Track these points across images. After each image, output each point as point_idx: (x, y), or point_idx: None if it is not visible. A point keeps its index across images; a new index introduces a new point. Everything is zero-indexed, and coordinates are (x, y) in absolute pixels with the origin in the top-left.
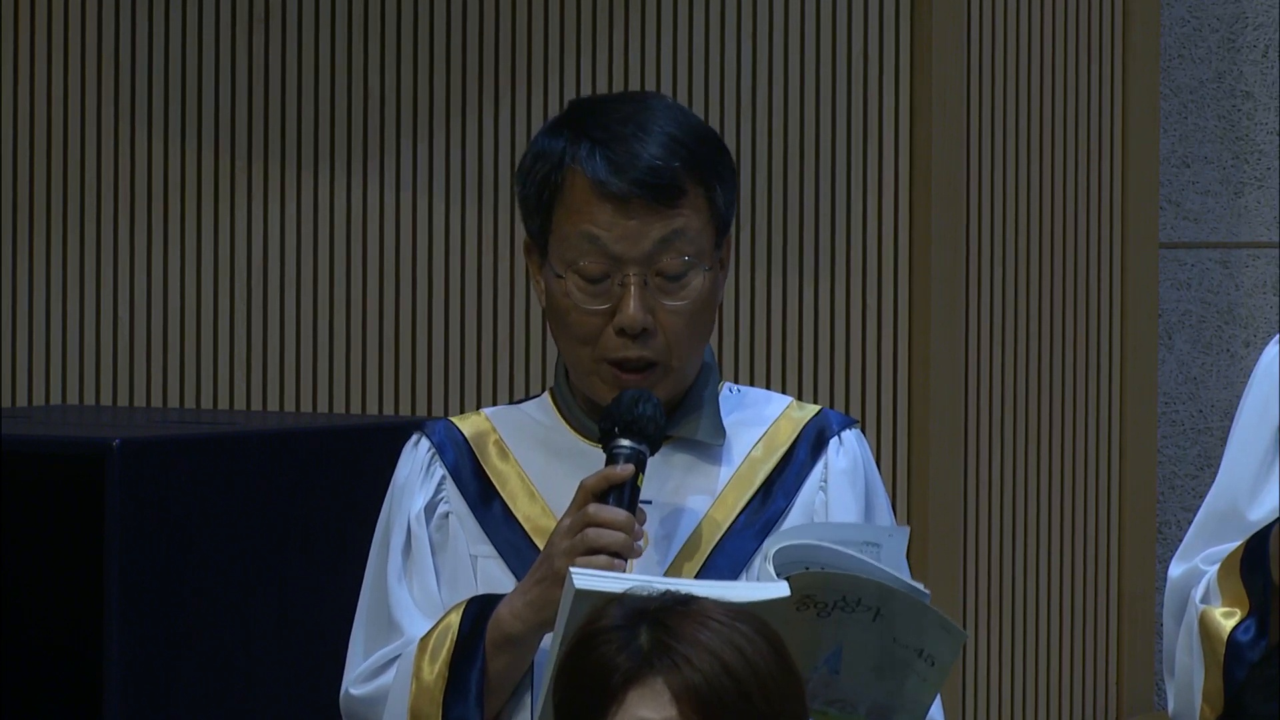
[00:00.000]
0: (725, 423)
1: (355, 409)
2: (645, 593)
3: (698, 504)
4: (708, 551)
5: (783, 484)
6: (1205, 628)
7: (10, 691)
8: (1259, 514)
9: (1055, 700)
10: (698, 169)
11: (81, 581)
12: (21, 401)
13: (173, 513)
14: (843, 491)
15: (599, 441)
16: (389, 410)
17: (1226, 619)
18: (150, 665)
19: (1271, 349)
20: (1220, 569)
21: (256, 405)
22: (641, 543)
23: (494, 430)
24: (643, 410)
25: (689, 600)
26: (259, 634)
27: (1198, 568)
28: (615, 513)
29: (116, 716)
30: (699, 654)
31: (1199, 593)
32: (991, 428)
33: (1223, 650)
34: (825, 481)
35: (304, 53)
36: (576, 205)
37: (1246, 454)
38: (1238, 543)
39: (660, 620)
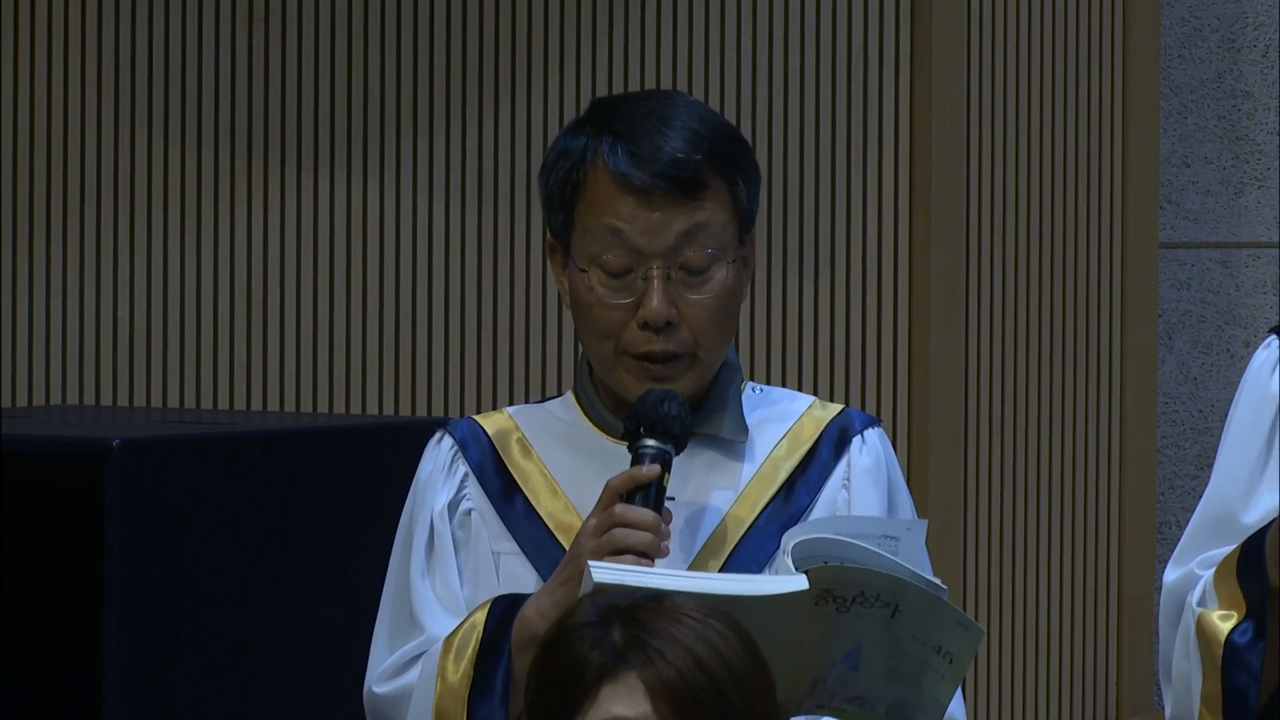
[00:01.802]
0: (748, 420)
1: (355, 409)
2: (657, 587)
3: (721, 501)
4: (730, 548)
5: (806, 481)
6: (1202, 630)
7: (10, 691)
8: (1253, 517)
9: (1055, 700)
10: (720, 162)
11: (81, 581)
12: (21, 401)
13: (173, 513)
14: (866, 490)
15: (622, 438)
16: (389, 410)
17: (1224, 621)
18: (150, 665)
19: (1261, 353)
20: (1216, 572)
21: (256, 405)
22: (666, 543)
23: (517, 428)
24: (668, 410)
25: (662, 596)
26: (259, 634)
27: (1193, 572)
28: (642, 513)
29: (116, 716)
30: (673, 649)
31: (1195, 596)
32: (991, 427)
33: (1220, 653)
34: (848, 480)
35: (304, 53)
36: (599, 199)
37: (1239, 457)
38: (1233, 546)
39: (634, 616)
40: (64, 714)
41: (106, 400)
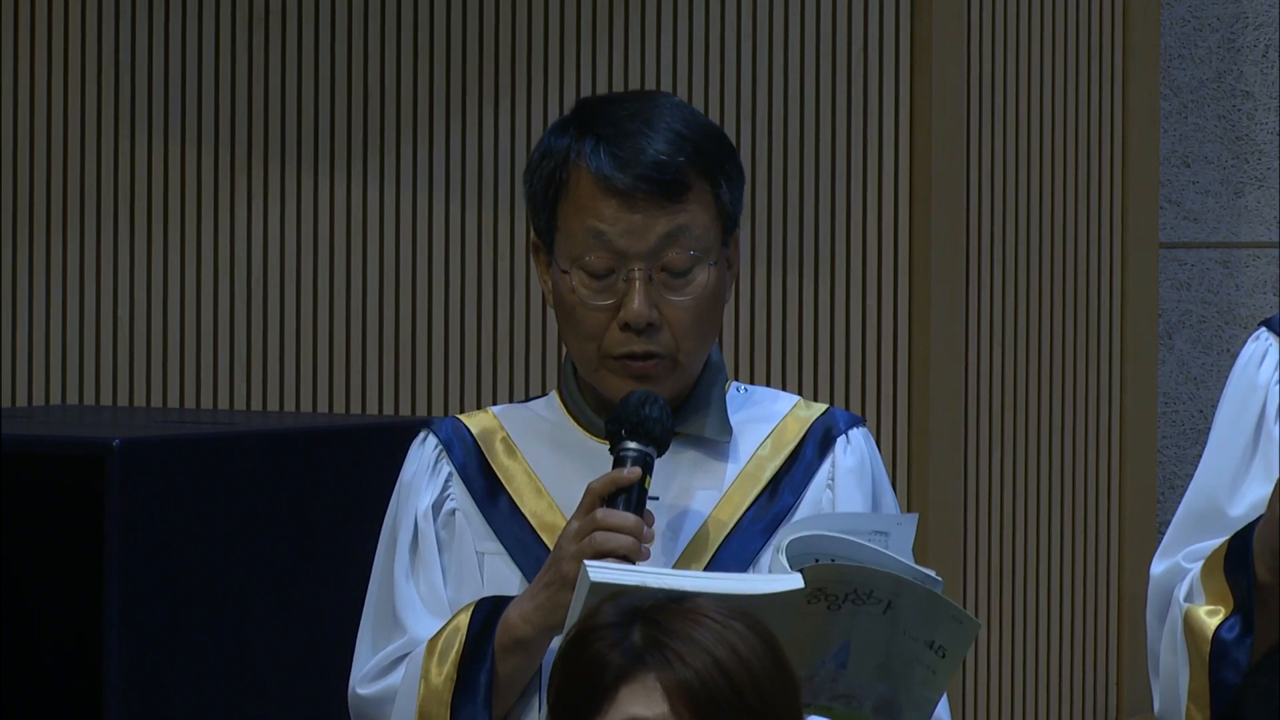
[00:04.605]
0: (732, 420)
1: (356, 409)
2: (654, 586)
3: (704, 501)
4: (714, 549)
5: (790, 481)
6: (1190, 626)
7: (10, 691)
8: (1239, 510)
9: (1055, 700)
10: (703, 165)
11: (81, 581)
12: (21, 401)
13: (173, 513)
14: (850, 490)
15: (606, 438)
16: (389, 410)
17: (1211, 617)
18: (150, 665)
19: (1249, 346)
20: (1203, 567)
21: (256, 405)
22: (648, 545)
23: (501, 428)
24: (650, 412)
25: (683, 598)
26: (259, 634)
27: (1179, 565)
28: (623, 517)
29: (116, 716)
30: (692, 651)
31: (1182, 591)
32: (991, 427)
33: (1208, 649)
34: (832, 479)
35: (304, 53)
36: (582, 201)
37: (1225, 450)
38: (1219, 540)
39: (653, 617)
40: (64, 714)
41: (106, 400)
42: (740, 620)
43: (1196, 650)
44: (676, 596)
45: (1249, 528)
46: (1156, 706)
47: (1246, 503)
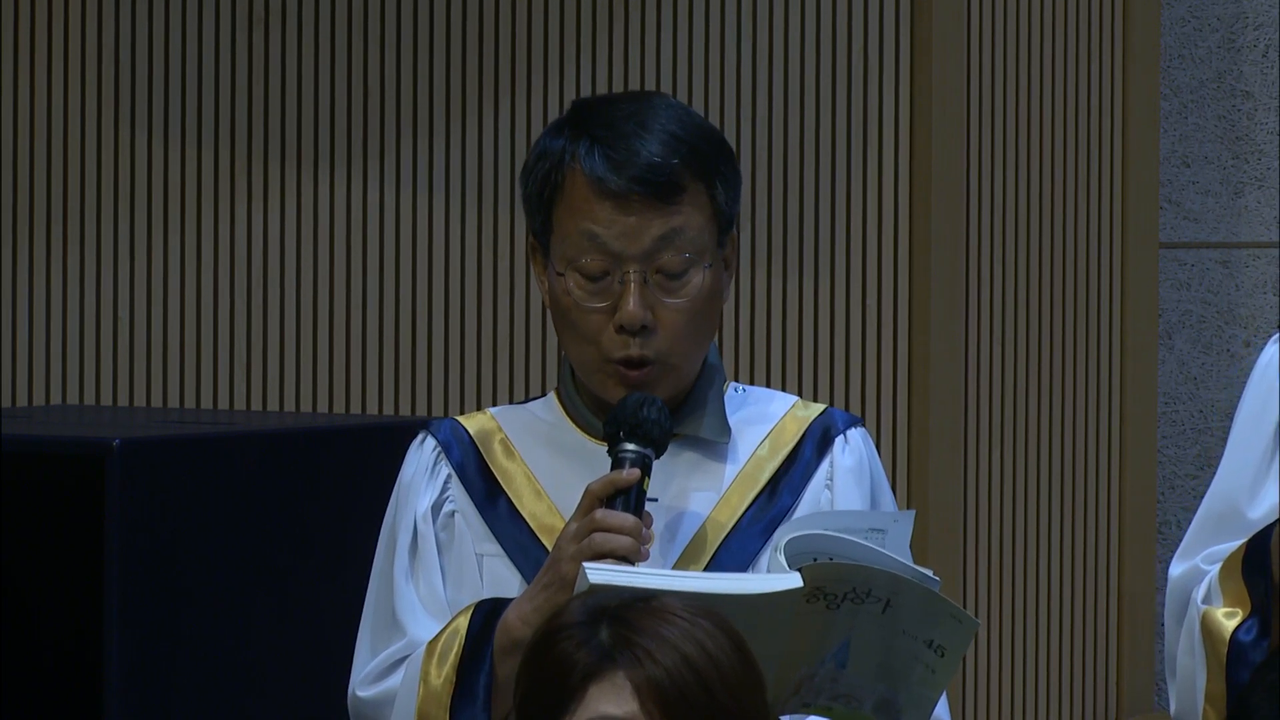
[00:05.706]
0: (730, 421)
1: (356, 409)
2: (652, 587)
3: (703, 502)
4: (713, 550)
5: (789, 482)
6: (1207, 629)
7: (10, 691)
8: (1258, 513)
9: (1055, 700)
10: (698, 166)
11: (81, 581)
12: (21, 401)
13: (173, 513)
14: (848, 489)
15: (604, 439)
16: (389, 410)
17: (1228, 620)
18: (150, 665)
19: (1270, 348)
20: (1221, 569)
21: (256, 405)
22: (647, 546)
23: (500, 429)
24: (648, 414)
25: (650, 597)
26: (259, 634)
27: (1198, 567)
28: (622, 518)
29: (116, 716)
30: (660, 648)
31: (1200, 593)
32: (991, 427)
33: (1225, 651)
34: (831, 480)
35: (304, 53)
36: (576, 203)
37: (1245, 452)
38: (1238, 542)
39: (621, 616)
40: (64, 714)
41: (106, 400)
42: (708, 618)
43: (1214, 652)
44: (643, 595)
45: (1267, 530)
46: (1173, 708)
47: (1266, 505)
